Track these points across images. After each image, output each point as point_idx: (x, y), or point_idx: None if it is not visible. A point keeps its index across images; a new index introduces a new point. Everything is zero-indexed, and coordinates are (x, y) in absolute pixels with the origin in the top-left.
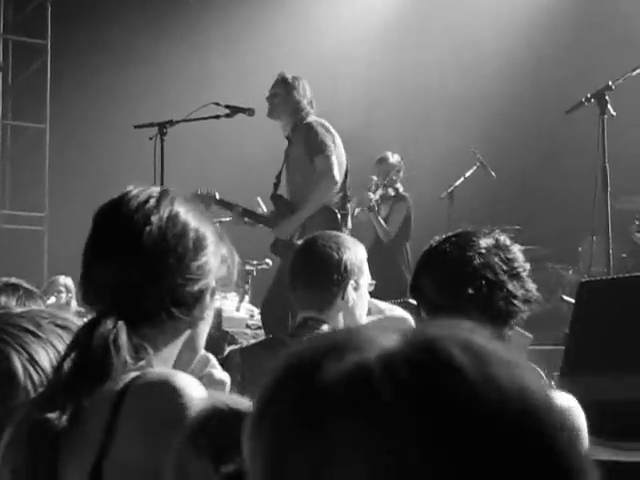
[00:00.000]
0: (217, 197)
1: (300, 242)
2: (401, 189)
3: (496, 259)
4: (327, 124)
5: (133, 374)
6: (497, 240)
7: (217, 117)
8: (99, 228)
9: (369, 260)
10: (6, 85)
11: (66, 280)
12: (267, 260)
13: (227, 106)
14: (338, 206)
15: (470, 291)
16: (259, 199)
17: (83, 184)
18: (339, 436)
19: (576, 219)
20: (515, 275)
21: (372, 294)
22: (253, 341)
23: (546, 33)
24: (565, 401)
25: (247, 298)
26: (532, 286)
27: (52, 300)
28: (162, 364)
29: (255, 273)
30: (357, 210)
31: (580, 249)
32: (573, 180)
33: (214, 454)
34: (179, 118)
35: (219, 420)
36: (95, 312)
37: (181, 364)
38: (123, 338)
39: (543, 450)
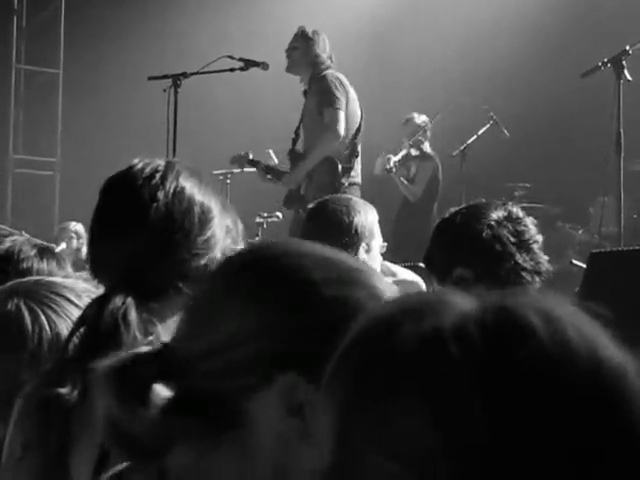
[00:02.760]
0: (250, 157)
1: (309, 204)
2: (428, 149)
3: (505, 231)
4: (343, 78)
5: (142, 349)
6: (509, 212)
7: (231, 70)
8: (105, 204)
9: (398, 220)
10: (20, 29)
11: (77, 226)
12: (277, 213)
13: (241, 59)
14: (342, 159)
15: (478, 264)
16: (270, 151)
17: (96, 130)
18: (409, 395)
19: (587, 179)
20: (524, 247)
21: (400, 253)
22: None
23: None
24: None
25: None
26: (543, 258)
27: (63, 246)
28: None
29: (265, 225)
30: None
31: (591, 209)
32: (585, 140)
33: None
34: (193, 70)
35: (126, 369)
36: (103, 287)
37: None
38: (132, 314)
39: (615, 417)
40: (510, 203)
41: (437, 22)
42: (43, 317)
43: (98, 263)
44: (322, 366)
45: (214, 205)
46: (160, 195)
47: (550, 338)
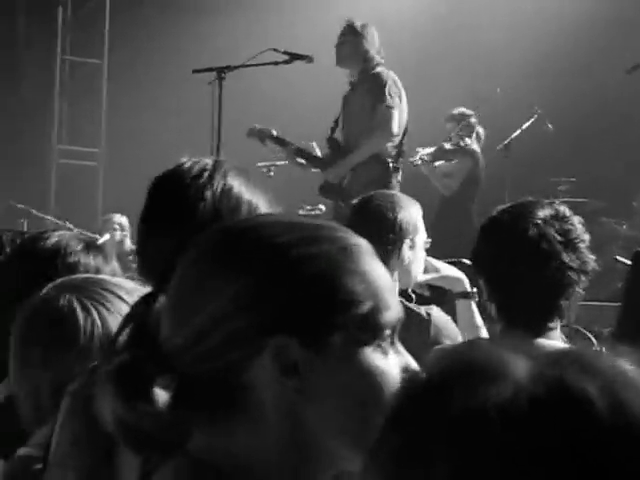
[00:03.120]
0: (274, 134)
1: (353, 200)
2: (473, 145)
3: (552, 230)
4: (397, 79)
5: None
6: (557, 211)
7: (275, 63)
8: (153, 202)
9: (437, 216)
10: (65, 20)
11: (121, 219)
12: (320, 205)
13: (285, 52)
14: (392, 158)
15: (524, 262)
16: (314, 144)
17: (139, 122)
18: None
19: (631, 173)
20: (571, 246)
21: (435, 251)
22: None
23: None
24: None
25: None
26: (590, 257)
27: (106, 237)
28: None
29: None
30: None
31: (635, 204)
32: (629, 134)
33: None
34: (237, 63)
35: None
36: (151, 285)
37: None
38: None
39: None
40: (557, 202)
41: (481, 15)
42: (95, 313)
43: (146, 261)
44: (310, 324)
45: (262, 203)
46: (208, 194)
47: (611, 419)
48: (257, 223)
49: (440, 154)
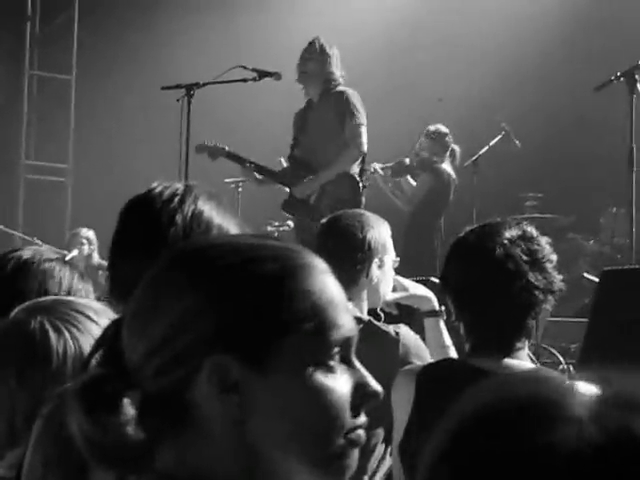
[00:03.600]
0: (227, 149)
1: (322, 218)
2: (438, 162)
3: (518, 250)
4: (359, 97)
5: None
6: (524, 231)
7: (244, 80)
8: (125, 226)
9: (406, 235)
10: (33, 35)
11: (88, 233)
12: (288, 222)
13: (254, 69)
14: (358, 176)
15: (491, 282)
16: (282, 159)
17: (108, 137)
18: None
19: (598, 190)
20: (537, 266)
21: (400, 268)
22: None
23: (578, 9)
24: (589, 391)
25: None
26: (557, 277)
27: (75, 252)
28: None
29: (277, 234)
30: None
31: (602, 220)
32: (596, 151)
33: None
34: (206, 80)
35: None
36: (122, 307)
37: None
38: None
39: None
40: (525, 222)
41: (448, 33)
42: (67, 333)
43: (117, 283)
44: (252, 343)
45: (232, 227)
46: (178, 218)
47: None
48: (207, 244)
49: (400, 169)
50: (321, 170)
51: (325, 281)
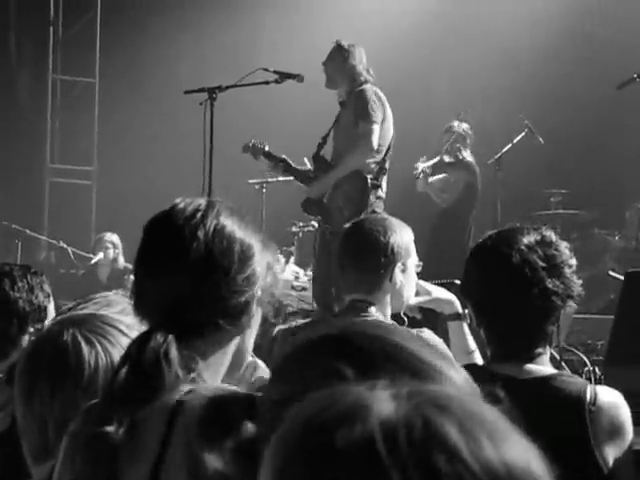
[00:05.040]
0: (266, 149)
1: (346, 224)
2: (469, 157)
3: (535, 256)
4: (381, 94)
5: (186, 387)
6: (542, 236)
7: (266, 83)
8: (148, 243)
9: (434, 231)
10: (56, 39)
11: (112, 236)
12: (312, 222)
13: (276, 72)
14: (372, 174)
15: (508, 288)
16: (306, 160)
17: (132, 140)
18: None
19: (623, 185)
20: (555, 271)
21: (434, 265)
22: (301, 321)
23: (602, 6)
24: (610, 397)
25: (292, 259)
26: (575, 282)
27: (100, 256)
28: (212, 373)
29: (301, 235)
30: (431, 178)
31: (627, 215)
32: (621, 146)
33: (219, 433)
34: (229, 83)
35: (217, 405)
36: (147, 324)
37: (231, 371)
38: (174, 352)
39: None
40: (544, 227)
41: (472, 30)
42: (99, 346)
43: (141, 301)
44: None
45: (255, 242)
46: (200, 234)
47: (466, 447)
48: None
49: (440, 167)
50: (331, 170)
51: None
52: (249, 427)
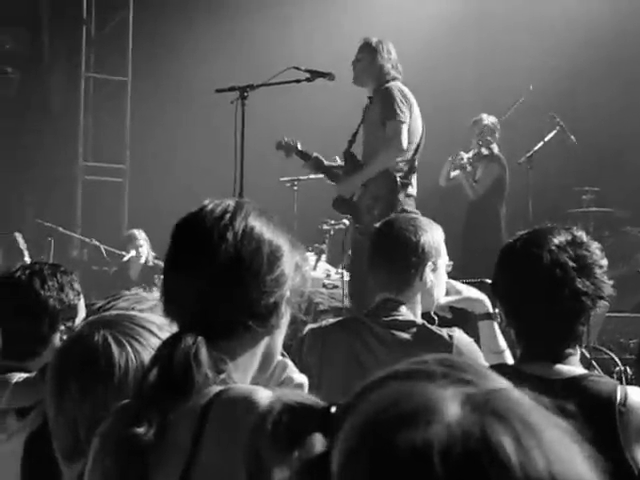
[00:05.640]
0: (299, 147)
1: (376, 222)
2: (496, 150)
3: (565, 256)
4: (407, 92)
5: (216, 389)
6: (573, 237)
7: (297, 81)
8: (177, 245)
9: (466, 223)
10: (89, 38)
11: (142, 234)
12: (344, 220)
13: (307, 70)
14: (401, 173)
15: (538, 289)
16: (337, 158)
17: (163, 138)
18: None
19: None
20: (586, 272)
21: (469, 258)
22: (332, 320)
23: (635, 7)
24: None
25: (324, 257)
26: (606, 283)
27: (132, 253)
28: (241, 374)
29: (332, 232)
30: (453, 173)
31: None
32: None
33: (288, 443)
34: (259, 82)
35: (289, 412)
36: (177, 326)
37: (260, 371)
38: (203, 353)
39: None
40: (575, 227)
41: (502, 28)
42: (129, 347)
43: (171, 302)
44: None
45: (283, 243)
46: (229, 236)
47: (520, 463)
48: None
49: (476, 160)
50: (361, 168)
51: None
52: (320, 440)
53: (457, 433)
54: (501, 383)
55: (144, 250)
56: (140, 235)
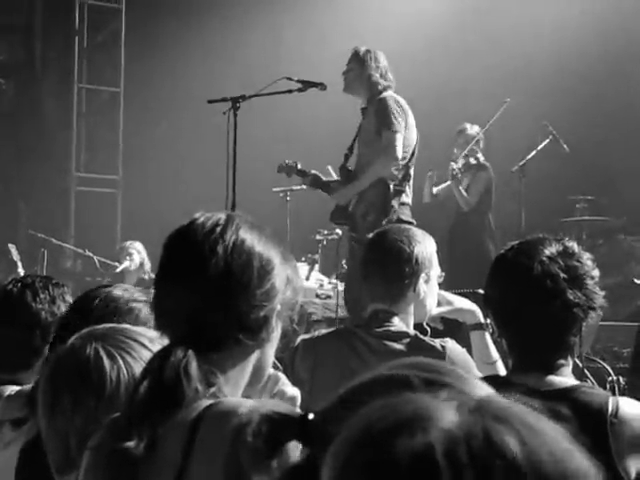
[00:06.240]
0: (298, 167)
1: (369, 235)
2: (482, 159)
3: (556, 267)
4: (402, 101)
5: (206, 402)
6: (565, 247)
7: (289, 92)
8: (168, 259)
9: (453, 232)
10: (81, 49)
11: (135, 244)
12: (337, 230)
13: (299, 80)
14: (395, 181)
15: (529, 300)
16: (329, 167)
17: (156, 148)
18: None
19: None
20: (577, 283)
21: (455, 267)
22: (324, 331)
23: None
24: (632, 408)
25: (317, 267)
26: (598, 294)
27: (126, 264)
28: (232, 388)
29: (325, 243)
30: (436, 189)
31: None
32: None
33: (267, 452)
34: (252, 93)
35: (267, 422)
36: (168, 339)
37: (251, 385)
38: (193, 366)
39: None
40: (567, 238)
41: (493, 35)
42: (120, 360)
43: (162, 315)
44: None
45: (274, 256)
46: (219, 249)
47: (526, 460)
48: None
49: (467, 169)
50: (356, 178)
51: None
52: (299, 448)
53: (459, 435)
54: (486, 389)
55: (136, 260)
56: (134, 245)
